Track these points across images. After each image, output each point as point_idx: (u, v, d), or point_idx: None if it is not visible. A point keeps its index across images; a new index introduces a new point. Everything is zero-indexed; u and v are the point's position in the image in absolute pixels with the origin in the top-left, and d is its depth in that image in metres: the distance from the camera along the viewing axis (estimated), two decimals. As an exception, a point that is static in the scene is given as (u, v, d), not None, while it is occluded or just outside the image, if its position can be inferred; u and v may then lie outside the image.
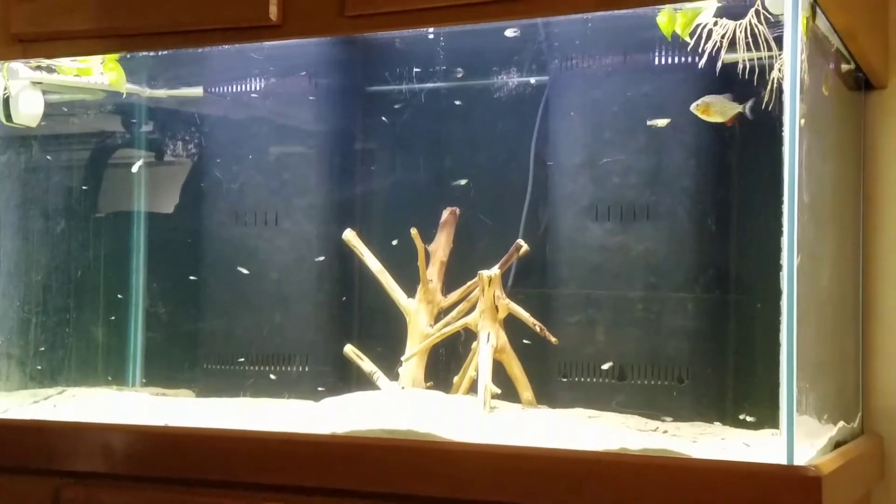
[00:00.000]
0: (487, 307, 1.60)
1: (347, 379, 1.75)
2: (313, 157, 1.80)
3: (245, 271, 1.76)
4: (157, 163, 1.96)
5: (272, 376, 1.75)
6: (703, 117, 1.45)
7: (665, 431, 1.44)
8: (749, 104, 1.42)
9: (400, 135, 1.81)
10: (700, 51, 1.37)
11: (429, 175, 1.80)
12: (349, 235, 1.73)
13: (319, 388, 1.72)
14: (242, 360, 1.76)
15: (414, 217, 1.69)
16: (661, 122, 1.48)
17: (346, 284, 1.81)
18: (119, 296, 1.93)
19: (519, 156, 1.71)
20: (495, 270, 1.60)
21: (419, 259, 1.66)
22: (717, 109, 1.44)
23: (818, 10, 1.27)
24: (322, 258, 1.76)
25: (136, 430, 1.49)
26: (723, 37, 1.33)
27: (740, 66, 1.35)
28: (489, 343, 1.57)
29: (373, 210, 1.83)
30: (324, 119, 1.82)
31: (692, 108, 1.46)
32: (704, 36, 1.36)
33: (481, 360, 1.55)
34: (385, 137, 1.84)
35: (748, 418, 1.48)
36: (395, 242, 1.70)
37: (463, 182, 1.69)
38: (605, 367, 1.58)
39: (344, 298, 1.81)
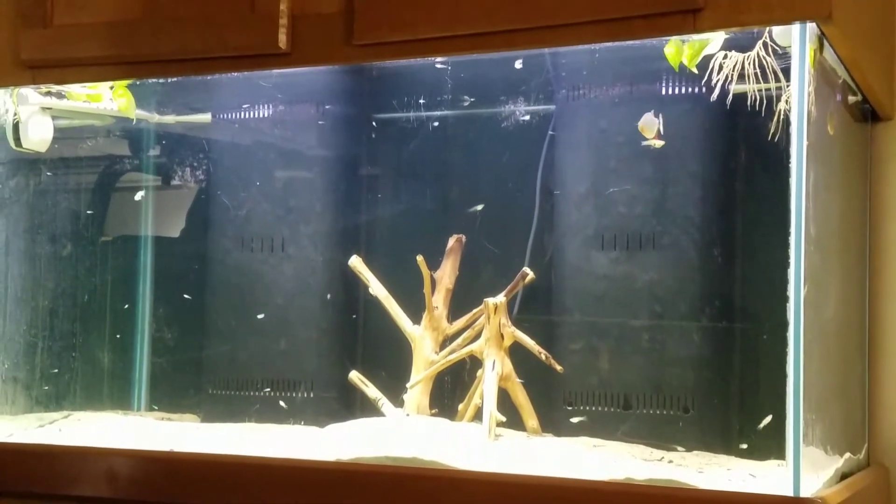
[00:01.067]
0: (493, 335, 1.60)
1: (352, 405, 1.75)
2: (319, 183, 1.81)
3: (261, 316, 1.76)
4: (165, 188, 1.97)
5: (282, 404, 1.75)
6: (644, 136, 1.51)
7: (670, 461, 1.43)
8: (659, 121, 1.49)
9: (406, 162, 1.82)
10: (710, 82, 1.37)
11: (435, 202, 1.80)
12: (355, 262, 1.73)
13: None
14: (268, 390, 1.76)
15: (420, 244, 1.70)
16: (658, 144, 1.49)
17: (352, 311, 1.82)
18: (124, 320, 1.94)
19: (525, 184, 1.72)
20: (501, 298, 1.60)
21: (425, 286, 1.67)
22: (646, 127, 1.50)
23: (825, 42, 1.27)
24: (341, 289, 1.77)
25: (142, 455, 1.49)
26: (732, 68, 1.34)
27: (750, 97, 1.36)
28: (494, 371, 1.57)
29: (379, 237, 1.84)
30: (330, 146, 1.83)
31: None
32: (715, 68, 1.36)
33: (486, 388, 1.55)
34: (391, 165, 1.85)
35: (747, 446, 1.48)
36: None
37: (479, 208, 1.69)
38: (574, 420, 1.58)
39: (354, 317, 1.81)
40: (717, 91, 1.37)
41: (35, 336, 1.82)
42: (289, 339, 1.77)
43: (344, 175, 1.83)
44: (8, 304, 1.78)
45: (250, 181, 1.81)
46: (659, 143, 1.48)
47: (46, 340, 1.84)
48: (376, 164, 1.85)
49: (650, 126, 1.49)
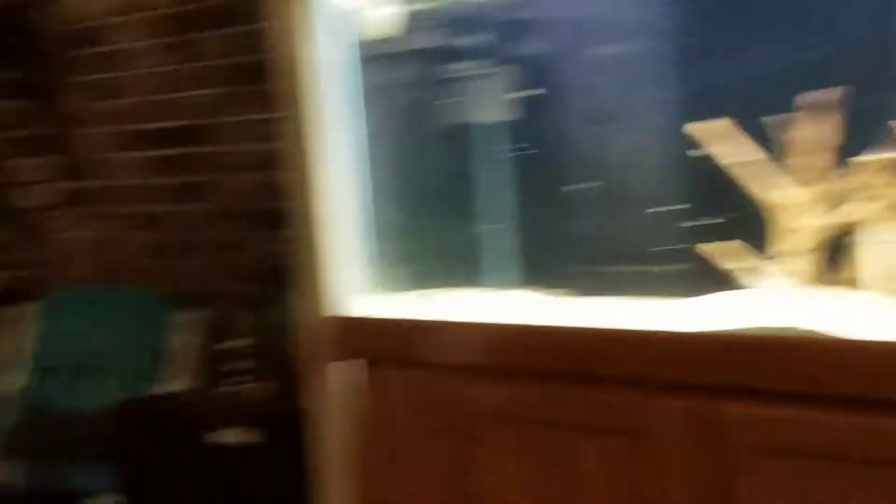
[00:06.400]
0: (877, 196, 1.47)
1: (720, 278, 1.70)
2: (663, 49, 1.73)
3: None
4: (513, 70, 1.97)
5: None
6: None
7: None
8: None
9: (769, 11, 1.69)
10: None
11: (807, 56, 1.66)
12: (721, 126, 1.65)
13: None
14: (631, 263, 1.74)
15: (792, 103, 1.58)
16: None
17: (715, 178, 1.74)
18: (491, 202, 1.98)
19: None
20: (889, 155, 1.47)
21: (800, 147, 1.56)
22: None
23: None
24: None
25: (517, 329, 1.53)
26: None
27: None
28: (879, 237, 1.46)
29: (746, 97, 1.73)
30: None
31: None
32: None
33: (870, 256, 1.44)
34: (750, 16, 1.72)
35: None
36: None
37: None
38: None
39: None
40: None
41: (408, 216, 1.90)
42: (651, 214, 1.74)
43: (698, 35, 1.74)
44: (377, 187, 1.87)
45: (593, 54, 1.76)
46: None
47: (420, 219, 1.92)
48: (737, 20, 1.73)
49: None
